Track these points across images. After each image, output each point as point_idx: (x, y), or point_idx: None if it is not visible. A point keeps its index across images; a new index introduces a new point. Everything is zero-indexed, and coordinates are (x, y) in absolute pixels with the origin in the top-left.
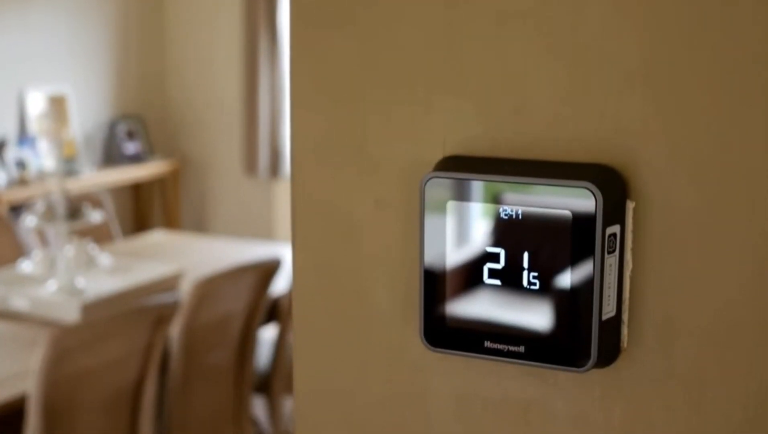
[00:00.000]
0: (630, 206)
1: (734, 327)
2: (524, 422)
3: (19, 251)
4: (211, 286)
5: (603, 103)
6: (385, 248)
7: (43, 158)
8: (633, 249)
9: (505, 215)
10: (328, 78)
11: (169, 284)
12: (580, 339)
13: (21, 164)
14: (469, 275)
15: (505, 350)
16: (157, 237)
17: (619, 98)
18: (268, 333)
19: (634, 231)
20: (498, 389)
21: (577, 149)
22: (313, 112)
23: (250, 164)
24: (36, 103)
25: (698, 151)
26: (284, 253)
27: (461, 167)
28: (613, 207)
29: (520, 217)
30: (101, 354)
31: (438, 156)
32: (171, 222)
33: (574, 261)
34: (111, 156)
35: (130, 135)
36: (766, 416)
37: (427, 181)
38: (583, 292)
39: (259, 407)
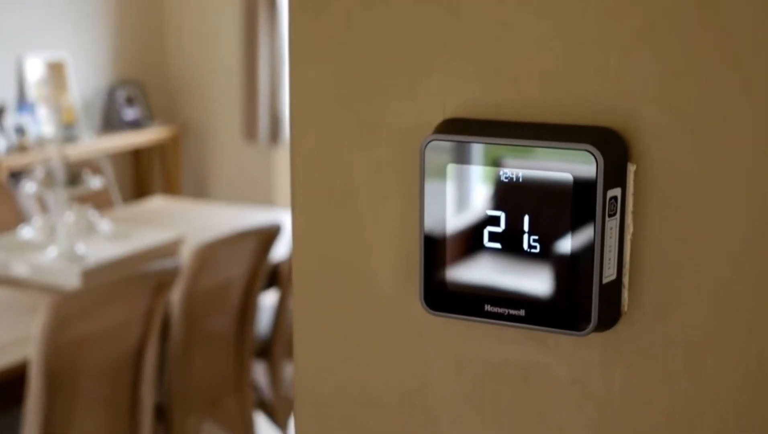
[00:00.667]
0: (631, 169)
1: (735, 292)
2: (524, 385)
3: (19, 217)
4: (212, 252)
5: (605, 65)
6: (385, 212)
7: (43, 124)
8: (634, 213)
9: (506, 178)
10: (326, 42)
11: (169, 250)
12: (580, 302)
13: (20, 131)
14: (470, 239)
15: (506, 313)
16: (157, 203)
17: (620, 59)
18: (268, 299)
19: (635, 195)
20: (498, 353)
21: (578, 111)
22: (312, 76)
23: (250, 130)
24: (35, 70)
25: (700, 114)
26: (284, 219)
27: (461, 129)
28: (614, 170)
29: (520, 180)
30: (102, 320)
31: (438, 119)
32: (171, 188)
33: (574, 224)
34: (110, 122)
35: (130, 101)
36: (766, 382)
37: (427, 144)
38: (584, 255)
39: (259, 372)
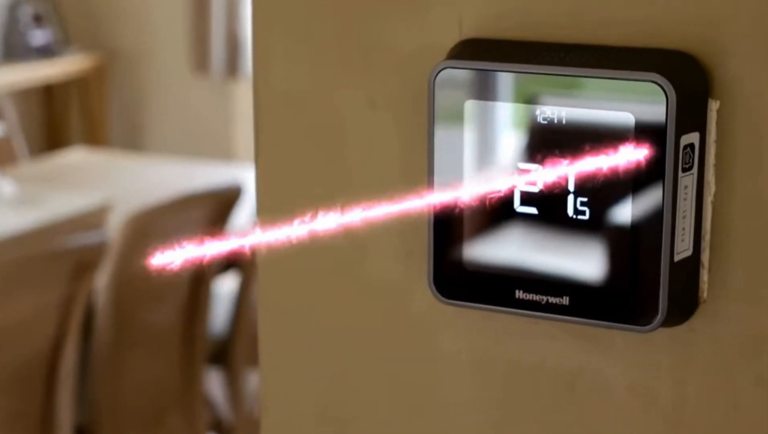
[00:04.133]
0: (713, 107)
1: None
2: (568, 397)
3: None
4: (150, 222)
5: None
6: (381, 166)
7: None
8: (716, 166)
9: (544, 119)
10: None
11: (93, 220)
12: (644, 286)
13: None
14: (495, 203)
15: (543, 302)
16: (76, 157)
17: None
18: (225, 286)
19: (717, 142)
20: (532, 353)
21: (641, 29)
22: None
23: (200, 59)
24: None
25: None
26: (246, 177)
27: (483, 54)
28: (691, 108)
29: (563, 122)
30: (5, 313)
31: (453, 40)
32: (95, 136)
33: (636, 182)
34: (12, 48)
35: (38, 20)
36: None
37: (439, 73)
38: (649, 224)
39: (214, 383)
